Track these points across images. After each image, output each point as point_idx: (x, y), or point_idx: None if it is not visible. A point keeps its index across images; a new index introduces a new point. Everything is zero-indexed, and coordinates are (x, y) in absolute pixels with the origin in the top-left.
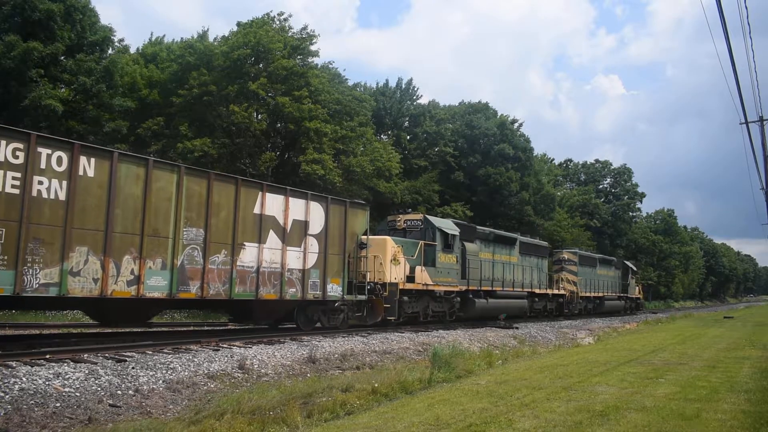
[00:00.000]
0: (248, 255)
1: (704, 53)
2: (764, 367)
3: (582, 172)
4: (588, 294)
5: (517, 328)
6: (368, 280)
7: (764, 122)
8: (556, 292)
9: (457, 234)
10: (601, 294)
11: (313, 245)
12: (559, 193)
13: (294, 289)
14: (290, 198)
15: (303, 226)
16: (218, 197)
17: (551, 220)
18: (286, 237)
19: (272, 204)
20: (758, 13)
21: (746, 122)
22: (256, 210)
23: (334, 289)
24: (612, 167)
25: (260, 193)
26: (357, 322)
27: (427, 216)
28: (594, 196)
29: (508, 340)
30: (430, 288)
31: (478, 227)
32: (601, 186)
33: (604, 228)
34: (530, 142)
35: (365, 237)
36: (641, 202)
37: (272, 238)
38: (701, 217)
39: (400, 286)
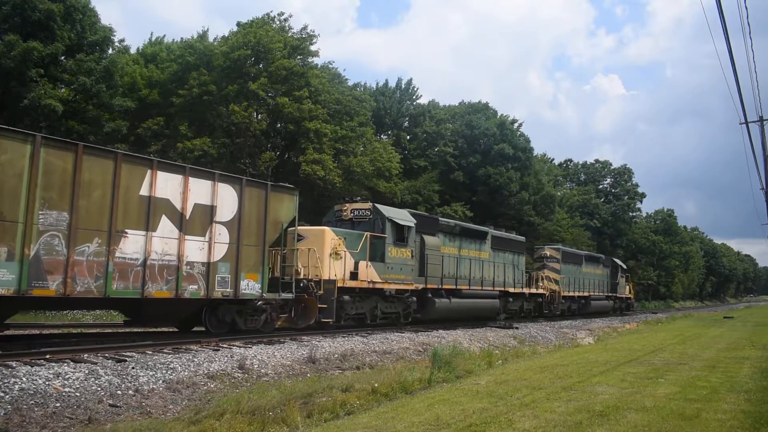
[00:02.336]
0: (131, 245)
1: (704, 53)
2: (764, 367)
3: (582, 172)
4: (572, 293)
5: (517, 328)
6: (301, 276)
7: (764, 122)
8: (533, 291)
9: (413, 226)
10: (586, 293)
11: (222, 234)
12: (559, 193)
13: (195, 286)
14: (191, 178)
15: (209, 211)
16: (90, 174)
17: (551, 221)
18: (184, 224)
19: (166, 184)
20: (758, 13)
21: (746, 122)
22: (144, 191)
23: (251, 287)
24: (612, 167)
25: (149, 171)
26: (288, 324)
27: (376, 205)
28: (594, 196)
29: (508, 340)
30: (377, 286)
31: (441, 219)
32: (601, 186)
33: (604, 228)
34: (530, 142)
35: (303, 228)
36: (641, 202)
37: (165, 225)
38: (701, 217)
39: (339, 284)
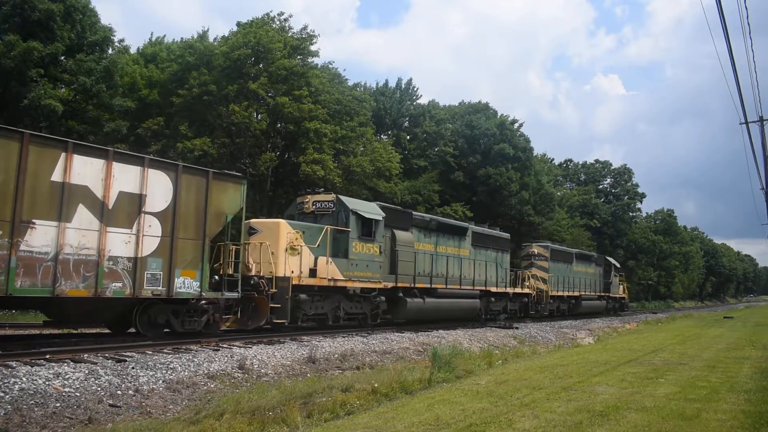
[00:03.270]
0: (40, 237)
1: (704, 53)
2: (764, 367)
3: (582, 172)
4: (561, 293)
5: (517, 328)
6: (252, 273)
7: (764, 122)
8: (518, 290)
9: (381, 219)
10: (577, 293)
11: (152, 226)
12: (559, 193)
13: (119, 284)
14: (115, 163)
15: (137, 200)
16: None
17: (551, 220)
18: (107, 214)
19: (84, 170)
20: (758, 13)
21: (746, 122)
22: (56, 177)
23: (188, 284)
24: (612, 167)
25: (63, 154)
26: (238, 326)
27: (340, 196)
28: (594, 196)
29: (508, 340)
30: (339, 284)
31: (415, 213)
32: (601, 186)
33: (604, 228)
34: (530, 142)
35: (257, 221)
36: (641, 202)
37: (83, 216)
38: (701, 217)
39: (295, 282)
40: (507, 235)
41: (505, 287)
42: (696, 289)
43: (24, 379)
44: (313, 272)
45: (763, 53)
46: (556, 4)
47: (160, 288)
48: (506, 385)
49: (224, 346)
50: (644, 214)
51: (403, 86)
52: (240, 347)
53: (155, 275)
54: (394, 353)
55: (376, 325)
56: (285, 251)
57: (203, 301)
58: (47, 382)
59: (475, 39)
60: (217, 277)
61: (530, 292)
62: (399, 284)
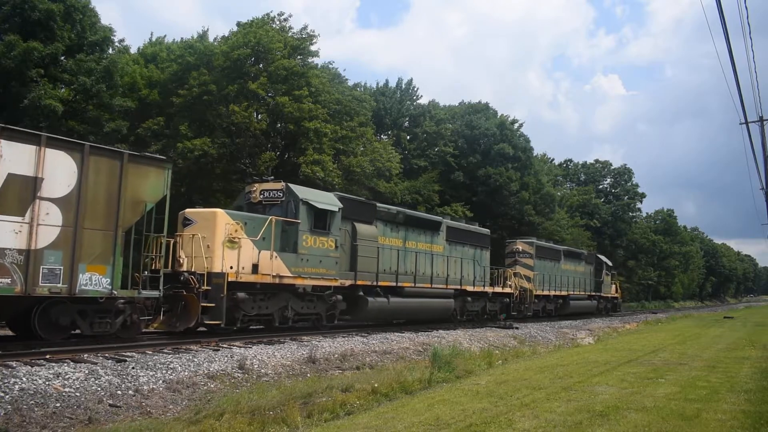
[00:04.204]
0: None
1: (704, 53)
2: (764, 367)
3: (582, 172)
4: (547, 292)
5: (517, 328)
6: (184, 268)
7: (764, 122)
8: (498, 290)
9: (336, 211)
10: (564, 292)
11: (51, 214)
12: (559, 193)
13: (7, 280)
14: (3, 141)
15: (30, 184)
16: None
17: (551, 220)
18: None
19: None
20: (758, 13)
21: (746, 122)
22: None
23: (96, 281)
24: (612, 167)
25: None
26: (166, 327)
27: (290, 185)
28: (594, 196)
29: (508, 340)
30: (286, 281)
31: (380, 205)
32: (601, 186)
33: (604, 228)
34: (530, 142)
35: (192, 211)
36: (641, 202)
37: None
38: (701, 217)
39: (231, 278)
40: (486, 231)
41: (483, 286)
42: (696, 289)
43: (24, 379)
44: (255, 268)
45: (763, 53)
46: (556, 4)
47: (59, 285)
48: (506, 385)
49: (224, 346)
50: (644, 214)
51: (403, 86)
52: (240, 347)
53: (53, 270)
54: (394, 353)
55: (333, 327)
56: (223, 244)
57: (120, 300)
58: (47, 382)
59: (475, 39)
60: (147, 272)
61: (512, 291)
62: (358, 282)
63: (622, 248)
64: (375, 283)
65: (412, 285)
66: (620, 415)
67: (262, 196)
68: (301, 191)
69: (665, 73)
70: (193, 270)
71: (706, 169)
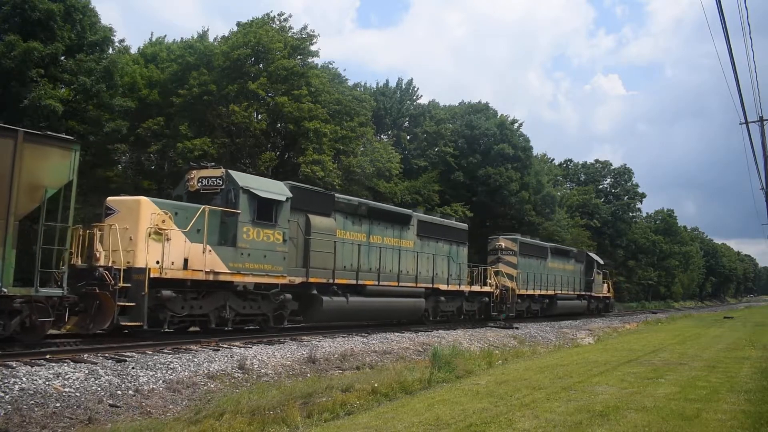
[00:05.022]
0: None
1: (704, 53)
2: (764, 367)
3: (582, 172)
4: (531, 291)
5: (517, 328)
6: (101, 263)
7: (764, 122)
8: (476, 288)
9: (284, 200)
10: (551, 291)
11: None
12: (559, 193)
13: None
14: None
15: None
16: None
17: (551, 221)
18: None
19: None
20: (758, 13)
21: (746, 122)
22: None
23: None
24: (612, 167)
25: None
26: (78, 329)
27: (230, 171)
28: (594, 196)
29: (508, 340)
30: (222, 278)
31: (339, 196)
32: (601, 186)
33: (604, 228)
34: (530, 142)
35: (114, 199)
36: (641, 202)
37: None
38: (701, 217)
39: (154, 274)
40: (464, 226)
41: (459, 285)
42: (696, 289)
43: (24, 379)
44: (187, 263)
45: (763, 53)
46: (556, 4)
47: None
48: (506, 385)
49: (224, 346)
50: (644, 214)
51: (403, 86)
52: (240, 347)
53: None
54: (394, 353)
55: (282, 329)
56: (147, 236)
57: (17, 300)
58: (47, 382)
59: (474, 39)
60: (64, 267)
61: (491, 290)
62: (311, 279)
63: (622, 248)
64: (331, 281)
65: (376, 283)
66: (620, 415)
67: (200, 185)
68: (242, 178)
69: (665, 73)
70: (111, 265)
71: (706, 169)
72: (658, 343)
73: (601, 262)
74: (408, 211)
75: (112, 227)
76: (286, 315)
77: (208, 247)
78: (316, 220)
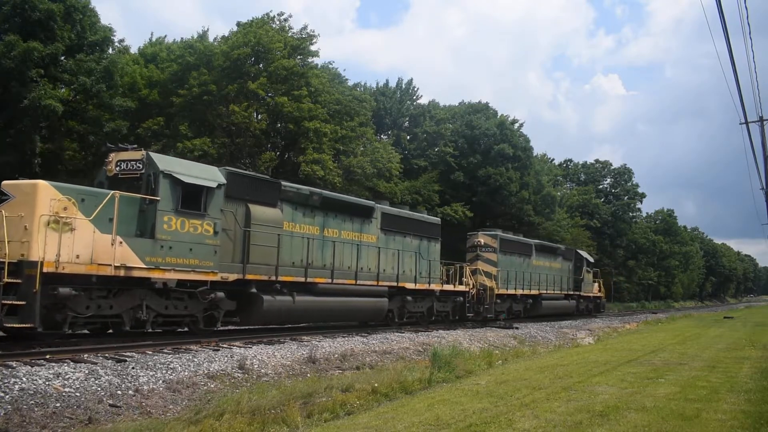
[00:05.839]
0: None
1: (704, 53)
2: (764, 367)
3: (582, 172)
4: (513, 291)
5: (517, 328)
6: None
7: (764, 122)
8: (449, 287)
9: (214, 187)
10: (535, 291)
11: None
12: (558, 193)
13: None
14: None
15: None
16: None
17: (551, 221)
18: None
19: None
20: (758, 13)
21: (746, 122)
22: None
23: None
24: (612, 167)
25: None
26: None
27: (151, 153)
28: (594, 196)
29: (508, 340)
30: (137, 273)
31: (286, 183)
32: (601, 186)
33: (604, 228)
34: (530, 142)
35: (9, 183)
36: (641, 202)
37: None
38: (701, 217)
39: (49, 268)
40: (436, 220)
41: (429, 283)
42: (696, 289)
43: (24, 379)
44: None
45: (763, 53)
46: (556, 4)
47: None
48: (506, 385)
49: (224, 346)
50: (644, 214)
51: (403, 86)
52: (240, 347)
53: None
54: (394, 353)
55: (215, 331)
56: (45, 225)
57: None
58: (47, 382)
59: (474, 39)
60: None
61: (465, 289)
62: (249, 276)
63: (622, 248)
64: (274, 278)
65: (329, 281)
66: (620, 415)
67: (118, 169)
68: (164, 161)
69: (665, 73)
70: (3, 258)
71: (706, 169)
72: (658, 343)
73: (592, 260)
74: (370, 203)
75: (2, 214)
76: (220, 316)
77: (119, 239)
78: (258, 211)
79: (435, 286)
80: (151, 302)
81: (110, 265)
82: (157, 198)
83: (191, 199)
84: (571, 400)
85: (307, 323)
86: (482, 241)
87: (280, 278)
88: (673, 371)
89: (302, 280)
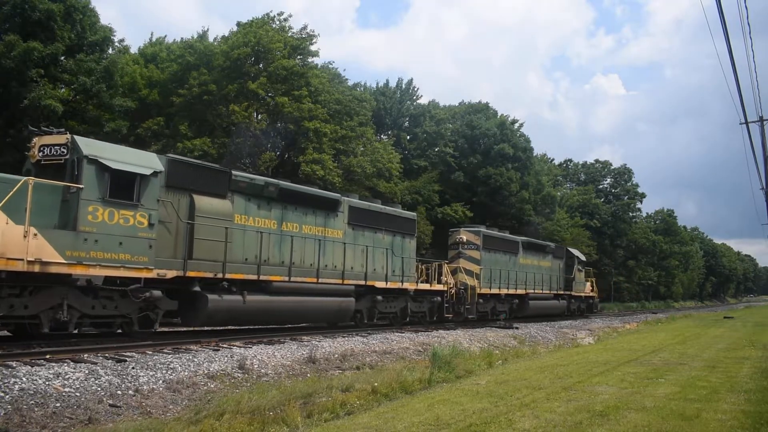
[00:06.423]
0: None
1: (704, 53)
2: (764, 367)
3: (582, 172)
4: (497, 290)
5: (517, 328)
6: None
7: (764, 122)
8: (425, 287)
9: (148, 174)
10: (522, 291)
11: None
12: (558, 194)
13: None
14: None
15: None
16: None
17: (552, 220)
18: None
19: None
20: (758, 13)
21: (746, 122)
22: None
23: None
24: (612, 167)
25: None
26: None
27: (76, 137)
28: (594, 196)
29: (508, 340)
30: (55, 269)
31: (237, 173)
32: (601, 186)
33: (604, 228)
34: (530, 142)
35: None
36: (641, 202)
37: None
38: (701, 217)
39: None
40: (412, 215)
41: (402, 282)
42: (696, 289)
43: (24, 379)
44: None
45: (763, 53)
46: (556, 4)
47: None
48: (506, 385)
49: (224, 346)
50: (644, 214)
51: (403, 86)
52: (240, 347)
53: None
54: (394, 353)
55: (154, 333)
56: None
57: None
58: (47, 382)
59: (474, 39)
60: None
61: (443, 288)
62: (192, 273)
63: (622, 248)
64: (221, 276)
65: (286, 279)
66: (620, 415)
67: (41, 154)
68: (89, 145)
69: (665, 73)
70: None
71: (706, 169)
72: (658, 343)
73: (583, 258)
74: (335, 195)
75: None
76: (158, 317)
77: (33, 230)
78: (204, 202)
79: (409, 285)
80: (74, 301)
81: (22, 259)
82: (81, 186)
83: (122, 187)
84: (571, 400)
85: (261, 325)
86: (464, 237)
87: (228, 276)
88: (673, 371)
89: (254, 277)
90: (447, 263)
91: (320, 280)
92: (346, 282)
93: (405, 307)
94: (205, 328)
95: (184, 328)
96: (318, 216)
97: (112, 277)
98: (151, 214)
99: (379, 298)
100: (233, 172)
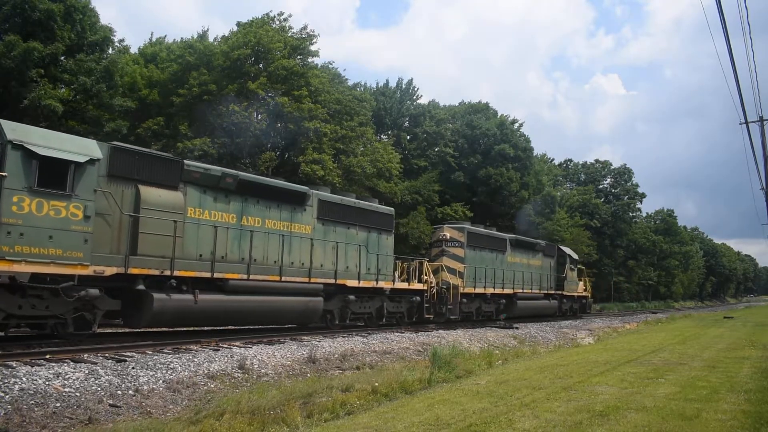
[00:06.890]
0: None
1: (704, 53)
2: (764, 367)
3: (582, 172)
4: (482, 290)
5: (517, 328)
6: None
7: (764, 122)
8: (402, 286)
9: (83, 162)
10: (509, 290)
11: None
12: (558, 194)
13: None
14: None
15: None
16: None
17: (551, 220)
18: None
19: None
20: (758, 13)
21: (746, 122)
22: None
23: None
24: (612, 167)
25: None
26: None
27: (1, 121)
28: (594, 196)
29: (508, 340)
30: None
31: (190, 163)
32: (601, 186)
33: (604, 228)
34: (530, 142)
35: None
36: (641, 202)
37: None
38: (701, 217)
39: None
40: (389, 210)
41: (376, 281)
42: (696, 289)
43: (24, 379)
44: None
45: (763, 53)
46: (555, 4)
47: None
48: (506, 385)
49: (224, 346)
50: (644, 214)
51: (403, 86)
52: (240, 347)
53: None
54: (394, 353)
55: (90, 336)
56: None
57: None
58: (47, 382)
59: (474, 39)
60: None
61: (423, 287)
62: (135, 270)
63: (622, 248)
64: (169, 273)
65: (245, 276)
66: (620, 415)
67: None
68: (14, 130)
69: (665, 73)
70: None
71: (706, 169)
72: (658, 343)
73: (576, 256)
74: (303, 188)
75: None
76: (96, 317)
77: None
78: (151, 193)
79: (385, 284)
80: None
81: None
82: (3, 174)
83: (53, 176)
84: (571, 400)
85: (216, 326)
86: (448, 234)
87: (177, 273)
88: (673, 371)
89: (208, 275)
90: (429, 261)
91: (284, 279)
92: (313, 280)
93: (381, 307)
94: (205, 329)
95: (184, 329)
96: (283, 210)
97: (41, 273)
98: (86, 205)
99: (352, 297)
100: (186, 161)
